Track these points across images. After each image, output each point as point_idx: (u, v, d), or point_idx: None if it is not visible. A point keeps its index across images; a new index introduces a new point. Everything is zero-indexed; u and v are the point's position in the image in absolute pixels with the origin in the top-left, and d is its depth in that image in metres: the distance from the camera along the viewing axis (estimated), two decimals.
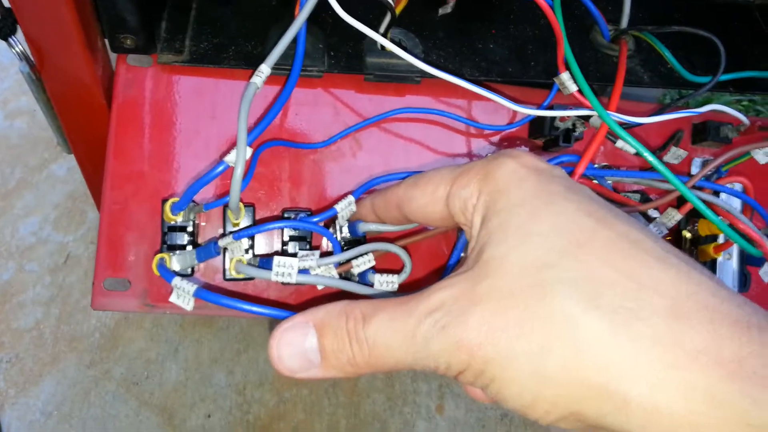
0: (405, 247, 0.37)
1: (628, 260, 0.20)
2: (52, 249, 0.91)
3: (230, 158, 0.32)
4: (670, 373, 0.18)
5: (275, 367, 0.26)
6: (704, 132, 0.47)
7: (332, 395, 0.87)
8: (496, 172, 0.23)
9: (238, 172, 0.31)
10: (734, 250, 0.45)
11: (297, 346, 0.25)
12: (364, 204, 0.36)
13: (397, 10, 0.39)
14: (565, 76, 0.41)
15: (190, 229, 0.37)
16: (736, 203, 0.45)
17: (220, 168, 0.33)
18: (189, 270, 0.37)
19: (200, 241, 0.39)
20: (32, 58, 0.40)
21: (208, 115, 0.41)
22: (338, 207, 0.37)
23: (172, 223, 0.37)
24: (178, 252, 0.37)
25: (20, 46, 0.40)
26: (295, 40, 0.37)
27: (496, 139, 0.45)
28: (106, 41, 0.40)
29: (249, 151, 0.32)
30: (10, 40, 0.39)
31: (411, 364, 0.22)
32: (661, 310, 0.18)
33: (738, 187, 0.44)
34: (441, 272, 0.41)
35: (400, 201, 0.29)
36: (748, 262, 0.46)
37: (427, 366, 0.22)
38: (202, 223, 0.39)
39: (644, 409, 0.18)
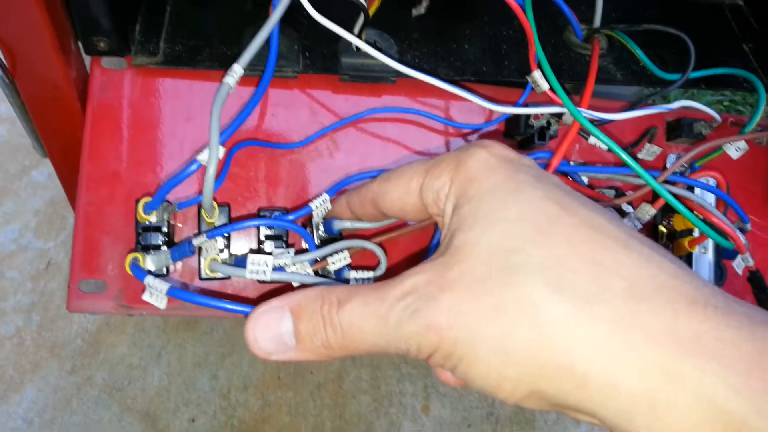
0: (380, 244, 0.37)
1: (590, 245, 0.20)
2: (32, 256, 0.90)
3: (203, 157, 0.32)
4: (628, 353, 0.18)
5: (251, 348, 0.26)
6: (678, 129, 0.48)
7: (317, 397, 0.87)
8: (467, 161, 0.24)
9: (211, 171, 0.32)
10: (709, 243, 0.46)
11: (273, 329, 0.25)
12: (340, 202, 0.36)
13: (371, 11, 0.40)
14: (537, 74, 0.41)
15: (164, 229, 0.37)
16: (709, 198, 0.45)
17: (193, 167, 0.33)
18: (164, 270, 0.37)
19: (176, 240, 0.39)
20: (5, 62, 0.39)
21: (183, 117, 0.41)
22: (313, 205, 0.38)
23: (146, 223, 0.37)
24: (152, 252, 0.37)
25: None
26: (268, 41, 0.37)
27: (473, 137, 0.46)
28: (80, 44, 0.40)
29: (222, 150, 0.32)
30: None
31: (384, 347, 0.23)
32: (621, 292, 0.19)
33: (711, 181, 0.45)
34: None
35: (374, 196, 0.29)
36: (723, 255, 0.46)
37: (399, 349, 0.23)
38: (179, 225, 0.39)
39: (603, 388, 0.18)
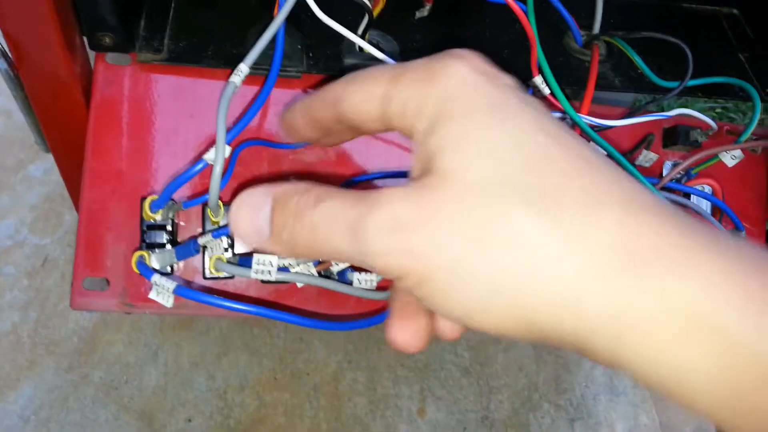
0: None
1: (582, 178, 0.20)
2: (29, 252, 0.90)
3: (209, 156, 0.32)
4: (622, 278, 0.18)
5: (232, 230, 0.25)
6: (674, 136, 0.48)
7: (313, 399, 0.87)
8: (444, 75, 0.22)
9: (217, 170, 0.32)
10: None
11: (253, 214, 0.24)
12: (293, 109, 0.30)
13: (375, 12, 0.40)
14: (538, 79, 0.42)
15: (169, 227, 0.38)
16: (705, 205, 0.46)
17: (199, 166, 0.33)
18: (168, 268, 0.38)
19: (180, 239, 0.39)
20: (10, 56, 0.40)
21: (186, 114, 0.42)
22: None
23: (152, 221, 0.37)
24: (157, 250, 0.37)
25: None
26: (273, 41, 0.38)
27: None
28: (85, 39, 0.41)
29: (228, 149, 0.32)
30: None
31: (348, 257, 0.22)
32: (615, 222, 0.19)
33: (707, 189, 0.45)
34: None
35: (336, 97, 0.26)
36: None
37: (364, 263, 0.22)
38: (182, 223, 0.40)
39: (597, 310, 0.18)
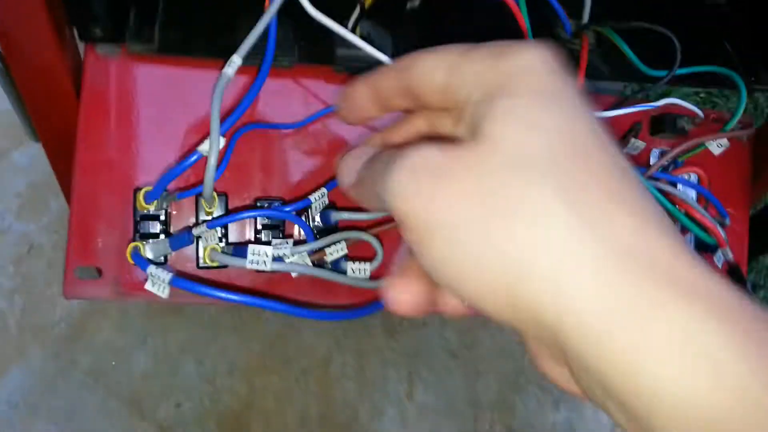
0: (377, 236, 0.38)
1: (611, 182, 0.20)
2: (14, 239, 0.89)
3: (204, 148, 0.32)
4: (625, 287, 0.18)
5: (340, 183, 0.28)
6: (661, 124, 0.49)
7: (303, 383, 0.88)
8: (513, 56, 0.22)
9: (212, 162, 0.32)
10: (690, 237, 0.47)
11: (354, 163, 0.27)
12: (357, 82, 0.30)
13: (367, 4, 0.40)
14: None
15: (162, 218, 0.38)
16: (692, 193, 0.47)
17: (194, 157, 0.33)
18: (162, 258, 0.38)
19: (172, 229, 0.39)
20: (0, 48, 0.39)
21: (177, 105, 0.41)
22: (312, 197, 0.38)
23: (145, 212, 0.38)
24: (151, 240, 0.37)
25: None
26: (266, 31, 0.38)
27: None
28: (75, 30, 0.40)
29: (222, 141, 0.32)
30: None
31: (380, 203, 0.23)
32: (630, 229, 0.19)
33: (693, 177, 0.46)
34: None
35: (407, 64, 0.26)
36: (703, 248, 0.48)
37: (386, 204, 0.22)
38: (173, 212, 0.40)
39: (592, 308, 0.18)
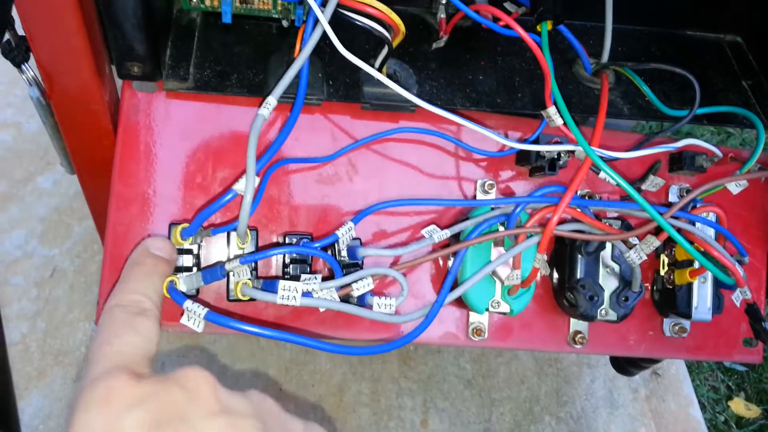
0: (402, 272, 0.39)
1: None
2: (37, 263, 0.91)
3: (239, 186, 0.34)
4: None
5: None
6: (680, 161, 0.50)
7: (319, 410, 0.88)
8: None
9: (248, 200, 0.33)
10: (709, 274, 0.48)
11: None
12: None
13: (394, 43, 0.41)
14: (551, 110, 0.43)
15: (195, 251, 0.39)
16: (710, 231, 0.47)
17: (229, 196, 0.34)
18: (194, 291, 0.39)
19: (202, 263, 0.40)
20: (43, 84, 0.41)
21: (210, 141, 0.43)
22: (339, 233, 0.39)
23: (180, 246, 0.39)
24: (184, 274, 0.38)
25: (31, 72, 0.41)
26: (298, 72, 0.39)
27: (485, 164, 0.48)
28: (113, 68, 0.42)
29: (257, 180, 0.34)
30: (22, 66, 0.40)
31: None
32: None
33: (712, 216, 0.47)
34: (438, 292, 0.42)
35: None
36: (721, 285, 0.48)
37: None
38: (204, 246, 0.41)
39: None
